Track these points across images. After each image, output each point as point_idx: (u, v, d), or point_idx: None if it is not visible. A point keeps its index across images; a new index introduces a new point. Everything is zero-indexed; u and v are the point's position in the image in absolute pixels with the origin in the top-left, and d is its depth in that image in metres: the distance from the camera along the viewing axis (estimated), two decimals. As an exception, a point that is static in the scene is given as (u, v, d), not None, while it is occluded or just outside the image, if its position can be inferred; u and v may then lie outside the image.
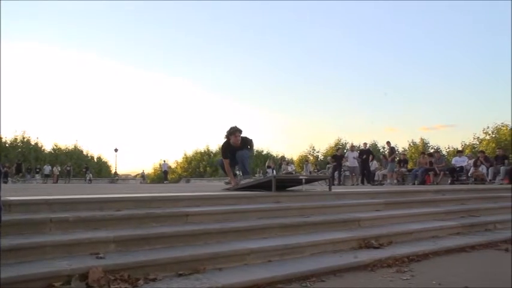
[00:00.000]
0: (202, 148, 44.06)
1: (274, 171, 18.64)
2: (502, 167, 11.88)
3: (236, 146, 5.90)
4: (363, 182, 14.13)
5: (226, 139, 6.00)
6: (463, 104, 48.35)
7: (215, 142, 43.55)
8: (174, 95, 62.22)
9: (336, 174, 14.61)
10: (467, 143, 30.42)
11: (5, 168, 24.04)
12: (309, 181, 5.71)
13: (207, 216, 3.75)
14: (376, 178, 15.25)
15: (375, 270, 3.22)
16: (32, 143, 37.63)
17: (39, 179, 27.78)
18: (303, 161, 29.54)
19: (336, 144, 34.23)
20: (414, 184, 12.92)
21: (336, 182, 13.82)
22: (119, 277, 2.53)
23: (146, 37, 56.91)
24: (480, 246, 4.24)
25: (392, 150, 15.05)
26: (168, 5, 55.51)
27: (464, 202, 6.19)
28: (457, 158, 14.12)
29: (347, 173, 15.41)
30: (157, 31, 57.08)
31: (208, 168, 40.75)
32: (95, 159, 43.46)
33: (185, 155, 44.83)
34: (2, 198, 3.12)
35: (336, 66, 54.44)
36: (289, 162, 23.48)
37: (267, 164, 21.00)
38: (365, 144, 15.68)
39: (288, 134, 58.18)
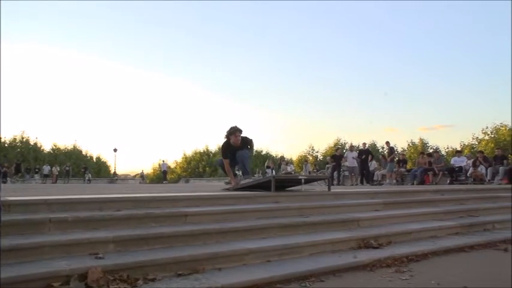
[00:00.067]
0: (201, 148, 44.13)
1: (274, 171, 18.64)
2: (500, 167, 11.90)
3: (236, 146, 5.89)
4: (362, 182, 14.14)
5: (226, 139, 5.99)
6: (462, 104, 48.44)
7: (214, 142, 43.61)
8: (173, 95, 62.30)
9: (335, 174, 14.62)
10: (466, 143, 30.49)
11: (4, 168, 24.02)
12: (308, 181, 5.71)
13: (206, 216, 3.75)
14: (375, 178, 15.25)
15: (374, 270, 3.22)
16: (31, 143, 37.61)
17: (38, 179, 27.72)
18: (302, 161, 29.58)
19: (335, 144, 34.26)
20: (413, 184, 12.93)
21: (335, 182, 13.83)
22: (118, 277, 2.53)
23: (146, 37, 56.99)
24: (479, 246, 4.25)
25: (391, 150, 15.05)
26: (168, 5, 55.54)
27: (463, 202, 6.19)
28: (456, 158, 14.14)
29: (346, 173, 15.41)
30: (157, 31, 57.13)
31: (207, 168, 40.75)
32: (94, 159, 43.43)
33: (184, 155, 44.87)
34: (2, 198, 3.13)
35: (336, 66, 54.54)
36: (289, 162, 23.49)
37: (266, 164, 20.99)
38: (364, 144, 15.69)
39: (287, 134, 58.28)
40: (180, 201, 3.95)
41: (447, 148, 32.32)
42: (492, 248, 4.25)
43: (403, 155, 20.14)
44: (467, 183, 12.27)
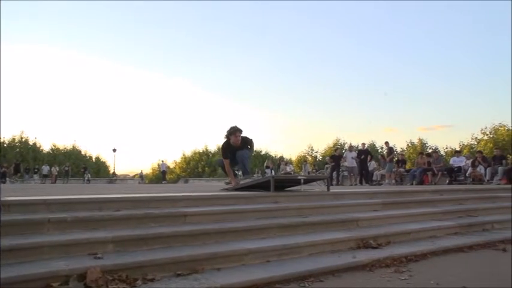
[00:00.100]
0: (200, 148, 44.13)
1: (273, 171, 18.65)
2: (499, 167, 11.92)
3: (236, 146, 5.88)
4: (361, 182, 14.15)
5: (226, 139, 5.97)
6: (462, 104, 48.56)
7: (214, 142, 43.62)
8: (172, 95, 62.33)
9: (334, 174, 14.63)
10: (465, 143, 30.55)
11: (3, 169, 24.01)
12: (307, 181, 5.71)
13: (206, 216, 3.74)
14: (374, 178, 15.27)
15: (373, 270, 3.22)
16: (30, 143, 37.57)
17: (38, 179, 27.69)
18: (302, 161, 29.60)
19: (335, 145, 34.28)
20: (412, 184, 12.94)
21: (334, 182, 13.84)
22: (117, 277, 2.52)
23: (146, 37, 57.03)
24: (478, 246, 4.25)
25: (390, 150, 15.07)
26: (168, 5, 55.56)
27: (462, 202, 6.20)
28: (455, 158, 14.17)
29: (345, 173, 15.43)
30: (157, 31, 57.15)
31: (206, 168, 40.75)
32: (93, 160, 43.39)
33: (184, 155, 44.89)
34: (1, 199, 3.12)
35: (335, 66, 54.68)
36: (288, 162, 23.50)
37: (265, 164, 21.00)
38: (363, 144, 15.70)
39: (286, 134, 58.34)
40: (179, 202, 3.95)
41: (446, 148, 32.43)
42: (491, 248, 4.26)
43: (402, 155, 20.17)
44: (466, 183, 12.29)
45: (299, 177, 5.57)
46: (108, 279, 2.47)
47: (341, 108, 54.31)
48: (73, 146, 41.25)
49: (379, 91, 51.72)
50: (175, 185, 21.84)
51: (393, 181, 14.13)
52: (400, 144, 34.94)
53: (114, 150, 35.52)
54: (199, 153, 43.72)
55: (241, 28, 57.11)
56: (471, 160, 13.24)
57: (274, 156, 34.92)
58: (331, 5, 51.76)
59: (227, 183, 6.39)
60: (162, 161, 32.48)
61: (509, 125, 28.19)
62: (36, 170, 29.25)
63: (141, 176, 36.56)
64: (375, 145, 33.36)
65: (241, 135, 5.86)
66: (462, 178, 13.05)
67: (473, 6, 47.48)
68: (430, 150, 25.98)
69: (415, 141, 34.23)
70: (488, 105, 46.34)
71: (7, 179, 23.23)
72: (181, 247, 3.10)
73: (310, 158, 35.42)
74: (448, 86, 47.72)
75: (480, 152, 14.95)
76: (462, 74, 47.67)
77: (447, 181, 12.79)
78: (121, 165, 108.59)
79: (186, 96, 62.10)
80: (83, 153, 42.11)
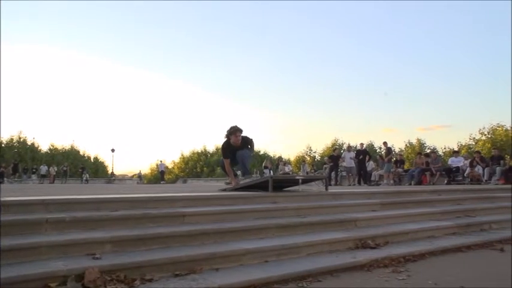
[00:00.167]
0: (199, 148, 44.11)
1: (271, 171, 18.65)
2: (497, 168, 11.95)
3: (236, 146, 5.86)
4: (359, 183, 14.17)
5: (226, 139, 5.95)
6: (460, 105, 48.65)
7: (212, 142, 43.61)
8: (172, 95, 62.31)
9: (333, 174, 14.63)
10: (464, 144, 30.55)
11: (1, 169, 23.94)
12: (305, 181, 5.71)
13: (204, 216, 3.74)
14: (372, 178, 15.29)
15: (371, 270, 3.23)
16: (29, 143, 37.47)
17: (36, 179, 27.63)
18: (300, 161, 29.61)
19: (333, 145, 34.27)
20: (410, 184, 12.96)
21: (332, 182, 13.85)
22: (115, 277, 2.52)
23: (146, 37, 57.04)
24: (476, 246, 4.26)
25: (389, 150, 15.09)
26: (168, 5, 55.56)
27: (460, 202, 6.21)
28: (453, 158, 14.19)
29: (344, 173, 15.44)
30: (157, 31, 57.17)
31: (205, 168, 40.74)
32: (92, 160, 43.31)
33: (182, 155, 44.87)
34: (1, 199, 3.12)
35: (334, 66, 54.76)
36: (286, 162, 23.48)
37: (264, 165, 20.99)
38: (362, 144, 15.73)
39: (285, 134, 58.34)
40: (178, 202, 3.95)
41: (444, 148, 32.43)
42: (489, 248, 4.27)
43: (401, 155, 20.16)
44: (464, 184, 12.31)
45: (297, 178, 5.57)
46: (106, 280, 2.47)
47: (340, 108, 54.47)
48: (71, 146, 41.20)
49: (378, 91, 51.86)
50: (173, 185, 21.83)
51: (391, 181, 14.15)
52: (398, 144, 35.12)
53: (113, 150, 35.52)
54: (197, 153, 43.71)
55: (241, 28, 57.24)
56: (469, 160, 13.26)
57: (272, 156, 34.95)
58: (331, 5, 51.94)
59: (227, 183, 6.36)
60: (161, 161, 32.50)
61: (507, 125, 28.27)
62: (34, 170, 29.20)
63: (140, 176, 36.52)
64: (373, 145, 33.39)
65: (242, 135, 5.85)
66: (460, 178, 13.07)
67: (473, 6, 47.70)
68: (428, 151, 25.99)
69: (414, 141, 34.28)
70: (487, 105, 46.50)
71: (5, 179, 23.16)
72: (179, 247, 3.10)
73: (308, 158, 35.42)
74: (447, 86, 47.91)
75: (478, 152, 14.98)
76: (462, 74, 47.87)
77: (445, 181, 12.81)
78: (119, 165, 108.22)
79: (184, 96, 62.21)
80: (81, 153, 42.04)
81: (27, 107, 58.99)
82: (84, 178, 29.56)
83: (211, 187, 7.98)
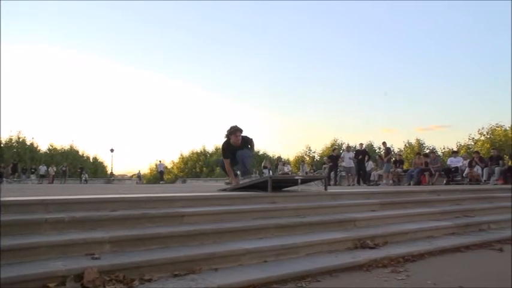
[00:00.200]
0: (198, 148, 44.08)
1: (271, 171, 18.65)
2: (496, 168, 11.97)
3: (236, 146, 5.85)
4: (358, 183, 14.18)
5: (226, 138, 5.94)
6: (459, 105, 48.68)
7: (211, 142, 43.59)
8: (171, 95, 62.28)
9: (332, 174, 14.64)
10: (463, 144, 30.60)
11: (0, 169, 23.93)
12: (304, 181, 5.71)
13: (203, 216, 3.74)
14: (372, 178, 15.30)
15: (370, 270, 3.23)
16: (28, 143, 37.43)
17: (35, 179, 27.61)
18: (299, 161, 29.61)
19: (332, 145, 34.27)
20: (410, 184, 12.97)
21: (331, 182, 13.85)
22: (114, 278, 2.52)
23: (146, 37, 57.02)
24: (474, 246, 4.27)
25: (388, 150, 15.10)
26: (168, 5, 55.56)
27: (459, 202, 6.22)
28: (452, 158, 14.20)
29: (343, 174, 15.45)
30: (157, 31, 57.16)
31: (204, 168, 40.72)
32: (91, 160, 43.29)
33: (181, 155, 44.83)
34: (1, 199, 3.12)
35: (334, 66, 54.77)
36: (286, 162, 23.48)
37: (263, 165, 20.99)
38: (361, 144, 15.72)
39: (284, 134, 58.33)
40: (177, 202, 3.95)
41: (443, 148, 32.46)
42: (487, 248, 4.27)
43: (400, 155, 20.18)
44: (463, 184, 12.32)
45: (296, 178, 5.57)
46: (105, 280, 2.47)
47: (339, 108, 54.46)
48: (71, 146, 41.16)
49: (378, 91, 51.90)
50: (173, 185, 21.82)
51: (391, 181, 14.16)
52: (397, 144, 35.07)
53: (112, 150, 35.50)
54: (197, 153, 43.68)
55: (241, 28, 57.25)
56: (468, 160, 13.27)
57: (272, 156, 34.95)
58: (331, 5, 51.98)
59: (227, 183, 6.36)
60: (160, 161, 32.47)
61: (506, 125, 28.30)
62: (33, 170, 29.18)
63: (139, 176, 36.49)
64: (372, 145, 33.40)
65: (242, 134, 5.84)
66: (459, 178, 13.09)
67: (473, 6, 47.75)
68: (427, 151, 26.00)
69: (413, 141, 34.32)
70: (487, 105, 46.57)
71: (4, 179, 23.14)
72: (178, 247, 3.10)
73: (308, 158, 35.43)
74: (447, 86, 47.96)
75: (477, 152, 15.00)
76: (461, 74, 47.91)
77: (444, 181, 12.82)
78: (119, 165, 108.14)
79: (184, 96, 62.15)
80: (80, 153, 42.01)
81: (27, 107, 59.02)
82: (83, 178, 29.55)
83: (211, 187, 7.98)
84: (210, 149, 42.58)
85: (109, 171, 37.61)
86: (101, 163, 44.38)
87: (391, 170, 14.47)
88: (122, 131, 64.46)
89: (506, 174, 11.65)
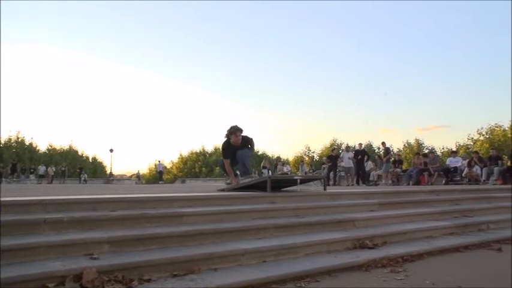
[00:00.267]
0: (197, 148, 44.03)
1: (270, 171, 18.65)
2: (495, 168, 11.98)
3: (237, 146, 5.85)
4: (357, 183, 14.18)
5: (226, 138, 5.93)
6: (458, 105, 48.72)
7: (211, 142, 43.57)
8: (170, 95, 62.25)
9: (331, 174, 14.64)
10: (462, 144, 30.61)
11: (0, 169, 23.92)
12: (304, 181, 5.71)
13: (202, 216, 3.74)
14: (371, 178, 15.31)
15: (370, 270, 3.23)
16: (27, 143, 37.37)
17: (34, 179, 27.58)
18: (299, 161, 29.58)
19: (331, 145, 34.28)
20: (409, 184, 12.98)
21: (331, 183, 13.85)
22: (113, 278, 2.52)
23: (146, 37, 56.99)
24: (473, 246, 4.27)
25: (387, 150, 15.11)
26: (168, 5, 55.56)
27: (458, 202, 6.22)
28: (451, 158, 14.20)
29: (342, 174, 15.45)
30: (157, 31, 57.13)
31: (203, 168, 40.68)
32: (90, 160, 43.23)
33: (180, 155, 44.76)
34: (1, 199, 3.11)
35: (334, 66, 54.80)
36: (285, 162, 23.47)
37: (262, 165, 20.97)
38: (360, 144, 15.73)
39: (283, 134, 58.31)
40: (176, 202, 3.95)
41: (442, 148, 32.49)
42: (486, 248, 4.28)
43: (399, 155, 20.19)
44: (462, 184, 12.33)
45: (296, 178, 5.57)
46: (104, 280, 2.47)
47: (339, 108, 54.46)
48: (70, 146, 41.09)
49: (378, 91, 51.89)
50: (172, 185, 21.81)
51: (390, 181, 14.17)
52: (396, 144, 35.09)
53: (111, 150, 35.47)
54: (196, 153, 43.62)
55: (241, 28, 57.22)
56: (467, 160, 13.29)
57: (271, 156, 34.95)
58: (331, 5, 51.99)
59: (227, 183, 6.35)
60: (159, 161, 32.45)
61: (505, 125, 28.33)
62: (32, 170, 29.14)
63: (138, 176, 36.44)
64: (371, 145, 33.42)
65: (242, 134, 5.83)
66: (458, 178, 13.10)
67: (473, 6, 47.77)
68: (426, 151, 26.02)
69: (412, 141, 34.35)
70: (486, 105, 46.59)
71: (3, 179, 23.11)
72: (177, 247, 3.10)
73: (307, 159, 35.40)
74: (446, 86, 47.94)
75: (476, 152, 15.02)
76: (461, 74, 47.90)
77: (443, 181, 12.84)
78: (118, 165, 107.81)
79: (183, 96, 62.13)
80: (79, 153, 41.94)
81: (26, 106, 58.92)
82: (83, 178, 29.50)
83: (210, 187, 7.98)
84: (209, 149, 42.58)
85: (108, 171, 37.60)
86: (100, 163, 44.33)
87: (390, 170, 14.49)
88: (122, 131, 64.38)
89: (505, 174, 11.66)
